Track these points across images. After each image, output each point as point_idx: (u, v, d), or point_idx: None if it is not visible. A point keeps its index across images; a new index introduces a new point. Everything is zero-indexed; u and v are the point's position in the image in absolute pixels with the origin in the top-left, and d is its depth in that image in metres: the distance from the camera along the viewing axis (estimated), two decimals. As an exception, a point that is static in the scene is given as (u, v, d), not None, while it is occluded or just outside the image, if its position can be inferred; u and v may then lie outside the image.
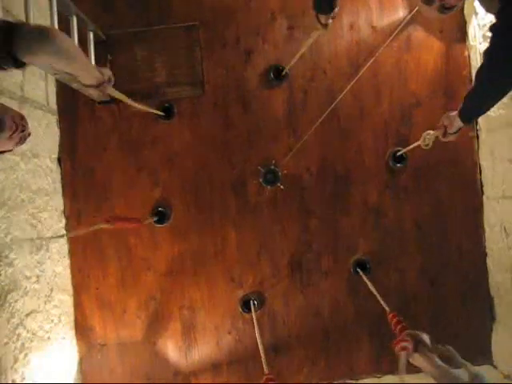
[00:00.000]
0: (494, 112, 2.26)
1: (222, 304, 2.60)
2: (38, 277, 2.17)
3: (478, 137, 2.55)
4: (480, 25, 2.36)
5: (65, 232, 2.52)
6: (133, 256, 2.59)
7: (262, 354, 1.95)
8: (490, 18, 2.21)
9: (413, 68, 2.57)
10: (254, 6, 2.58)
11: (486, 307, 2.55)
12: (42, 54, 1.03)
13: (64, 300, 2.47)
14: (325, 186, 2.59)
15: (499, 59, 1.23)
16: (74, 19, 2.18)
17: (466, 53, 2.55)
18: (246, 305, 2.56)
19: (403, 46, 2.57)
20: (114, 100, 1.97)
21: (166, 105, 2.56)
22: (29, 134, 1.32)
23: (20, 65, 1.04)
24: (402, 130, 2.57)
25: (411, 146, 2.30)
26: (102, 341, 2.59)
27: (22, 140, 1.28)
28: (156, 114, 2.49)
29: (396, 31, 2.50)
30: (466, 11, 2.51)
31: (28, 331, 2.04)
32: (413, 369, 1.22)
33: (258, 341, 2.11)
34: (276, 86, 2.58)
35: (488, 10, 1.33)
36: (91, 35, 2.38)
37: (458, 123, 1.68)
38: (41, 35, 1.01)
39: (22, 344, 1.98)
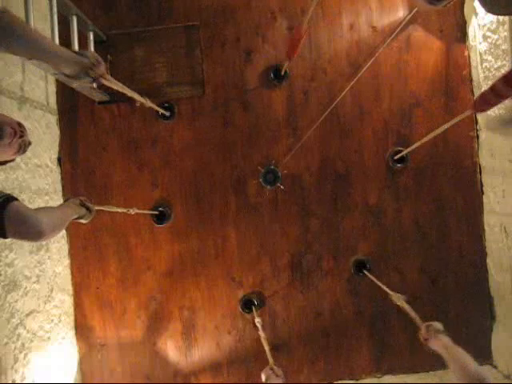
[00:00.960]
0: (494, 112, 2.26)
1: (222, 304, 2.60)
2: (38, 277, 2.17)
3: (477, 137, 2.55)
4: (480, 25, 2.35)
5: (65, 232, 2.52)
6: (133, 256, 2.59)
7: (267, 350, 1.97)
8: (490, 18, 2.22)
9: (413, 68, 2.57)
10: (253, 6, 2.59)
11: (486, 307, 2.56)
12: None
13: (64, 300, 2.47)
14: (325, 186, 2.59)
15: None
16: (74, 19, 2.18)
17: (466, 53, 2.55)
18: (246, 305, 2.56)
19: (403, 46, 2.57)
20: (113, 100, 1.93)
21: (166, 105, 2.56)
22: (29, 143, 1.30)
23: None
24: (402, 130, 2.58)
25: (411, 147, 2.30)
26: (101, 341, 2.59)
27: (22, 148, 1.26)
28: (156, 113, 2.49)
29: (396, 31, 2.50)
30: (466, 11, 2.51)
31: (28, 331, 2.04)
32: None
33: (263, 340, 2.11)
34: (276, 85, 2.58)
35: (490, 10, 1.29)
36: (91, 35, 2.38)
37: None
38: None
39: (22, 344, 1.98)
